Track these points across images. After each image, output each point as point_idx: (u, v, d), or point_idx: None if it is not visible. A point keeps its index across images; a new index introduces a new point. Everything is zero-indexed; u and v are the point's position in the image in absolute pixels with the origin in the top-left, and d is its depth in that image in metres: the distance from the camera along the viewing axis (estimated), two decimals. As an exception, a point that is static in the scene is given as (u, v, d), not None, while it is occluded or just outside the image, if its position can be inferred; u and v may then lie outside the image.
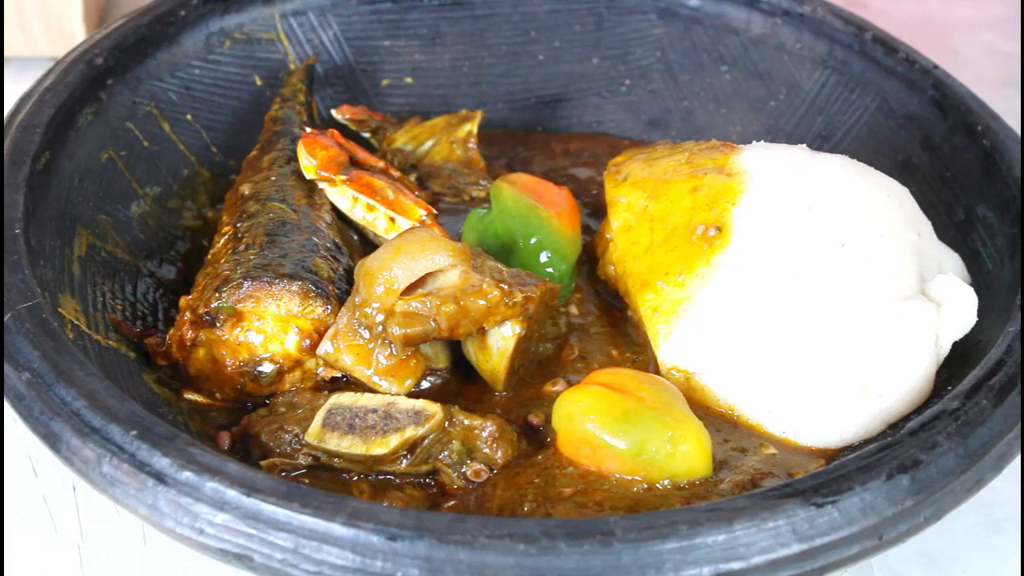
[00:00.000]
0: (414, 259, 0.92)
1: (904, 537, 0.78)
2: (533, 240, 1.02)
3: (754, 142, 1.05)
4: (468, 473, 0.88)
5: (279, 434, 0.89)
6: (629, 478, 0.86)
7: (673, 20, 1.25)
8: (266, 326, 0.93)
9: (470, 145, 1.16)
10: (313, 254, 0.97)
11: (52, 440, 0.80)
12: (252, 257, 0.95)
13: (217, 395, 0.95)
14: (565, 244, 1.03)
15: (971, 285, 0.99)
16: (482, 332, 0.94)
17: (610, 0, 1.26)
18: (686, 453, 0.86)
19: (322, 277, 0.95)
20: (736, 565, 0.74)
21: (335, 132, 1.09)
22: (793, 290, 0.93)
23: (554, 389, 0.95)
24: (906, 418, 0.92)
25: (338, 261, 0.98)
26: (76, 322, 0.92)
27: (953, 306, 0.94)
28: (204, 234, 1.10)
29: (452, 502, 0.87)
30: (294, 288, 0.93)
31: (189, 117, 1.15)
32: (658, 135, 1.25)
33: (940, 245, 1.03)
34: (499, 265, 0.95)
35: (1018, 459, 0.88)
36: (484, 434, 0.89)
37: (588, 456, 0.87)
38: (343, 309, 0.93)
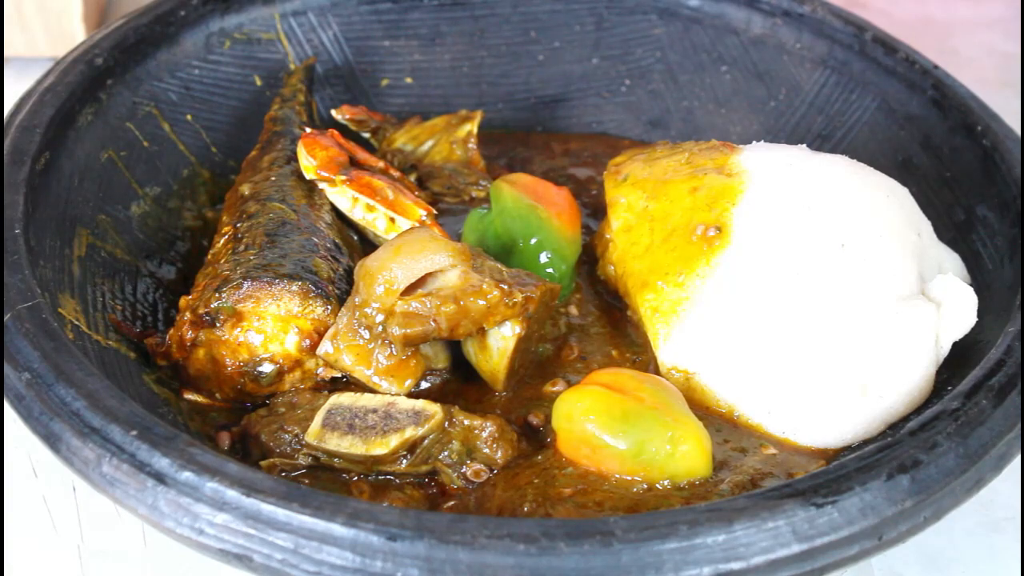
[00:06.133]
0: (414, 259, 0.92)
1: (904, 537, 0.78)
2: (533, 240, 1.02)
3: (754, 142, 1.05)
4: (468, 473, 0.88)
5: (279, 434, 0.89)
6: (629, 478, 0.86)
7: (673, 20, 1.25)
8: (266, 326, 0.93)
9: (470, 145, 1.16)
10: (313, 254, 0.97)
11: (52, 440, 0.80)
12: (252, 257, 0.95)
13: (217, 395, 0.95)
14: (565, 244, 1.03)
15: (971, 285, 0.99)
16: (482, 332, 0.94)
17: (610, 0, 1.26)
18: (686, 453, 0.86)
19: (322, 277, 0.95)
20: (736, 565, 0.74)
21: (335, 132, 1.09)
22: (793, 290, 0.93)
23: (554, 389, 0.95)
24: (906, 418, 0.92)
25: (338, 261, 0.98)
26: (76, 322, 0.92)
27: (953, 306, 0.94)
28: (204, 234, 1.10)
29: (452, 502, 0.87)
30: (294, 288, 0.93)
31: (189, 117, 1.15)
32: (658, 135, 1.25)
33: (940, 245, 1.03)
34: (499, 265, 0.95)
35: (1018, 459, 0.88)
36: (484, 434, 0.89)
37: (588, 456, 0.87)
38: (343, 309, 0.93)
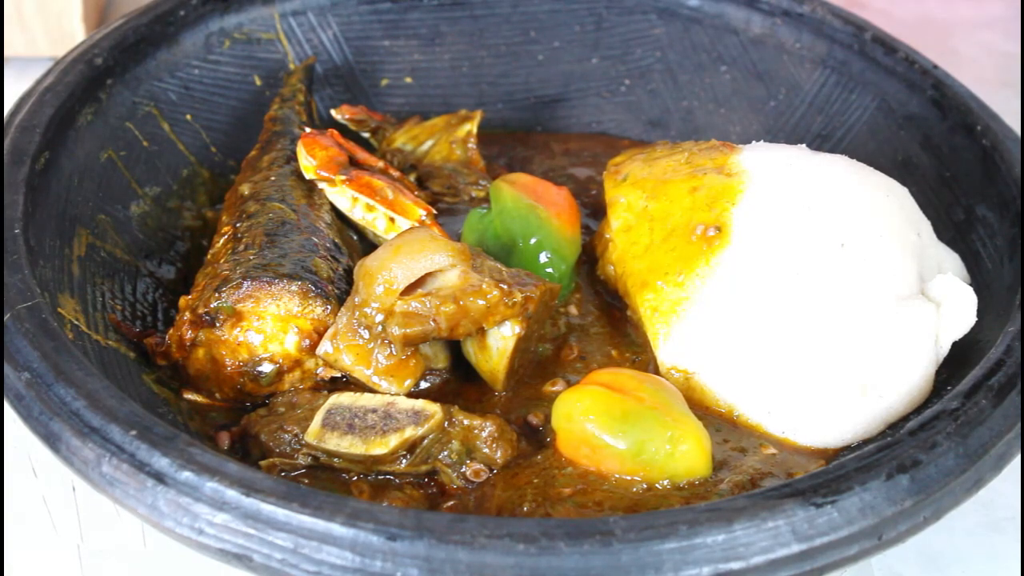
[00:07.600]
0: (414, 259, 0.92)
1: (904, 537, 0.78)
2: (533, 240, 1.02)
3: (754, 142, 1.05)
4: (467, 473, 0.88)
5: (279, 434, 0.89)
6: (629, 478, 0.86)
7: (673, 20, 1.25)
8: (265, 326, 0.93)
9: (470, 145, 1.16)
10: (313, 254, 0.97)
11: (52, 440, 0.80)
12: (252, 257, 0.95)
13: (217, 395, 0.95)
14: (565, 244, 1.03)
15: (971, 285, 0.99)
16: (482, 332, 0.94)
17: (610, 0, 1.26)
18: (686, 453, 0.86)
19: (322, 277, 0.95)
20: (736, 565, 0.74)
21: (335, 132, 1.09)
22: (793, 290, 0.93)
23: (553, 389, 0.95)
24: (906, 418, 0.92)
25: (338, 261, 0.98)
26: (76, 322, 0.92)
27: (953, 306, 0.94)
28: (204, 234, 1.10)
29: (451, 502, 0.87)
30: (294, 288, 0.93)
31: (189, 117, 1.15)
32: (658, 135, 1.25)
33: (940, 245, 1.03)
34: (499, 265, 0.95)
35: (1018, 459, 0.88)
36: (484, 434, 0.89)
37: (587, 456, 0.87)
38: (343, 309, 0.93)
